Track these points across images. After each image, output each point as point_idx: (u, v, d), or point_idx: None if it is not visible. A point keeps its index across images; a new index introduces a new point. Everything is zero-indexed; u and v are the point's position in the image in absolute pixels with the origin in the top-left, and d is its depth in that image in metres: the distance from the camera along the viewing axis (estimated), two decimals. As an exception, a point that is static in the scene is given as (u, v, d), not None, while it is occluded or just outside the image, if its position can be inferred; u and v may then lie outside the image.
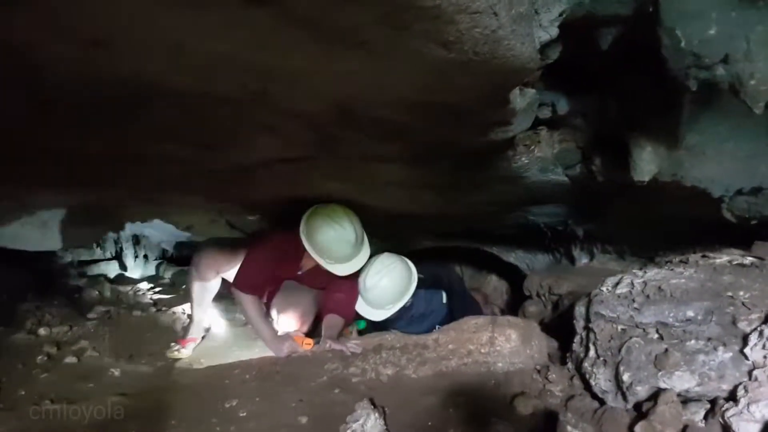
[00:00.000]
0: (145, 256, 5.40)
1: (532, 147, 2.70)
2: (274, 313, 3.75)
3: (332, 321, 3.45)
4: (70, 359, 3.30)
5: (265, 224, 3.54)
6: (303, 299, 3.68)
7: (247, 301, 3.25)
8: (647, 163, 2.31)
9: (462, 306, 3.87)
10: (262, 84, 1.74)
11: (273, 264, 3.32)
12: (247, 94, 1.81)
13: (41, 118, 1.96)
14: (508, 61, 1.54)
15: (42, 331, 3.66)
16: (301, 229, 3.17)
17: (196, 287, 3.48)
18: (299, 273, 3.42)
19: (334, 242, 3.13)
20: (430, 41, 1.42)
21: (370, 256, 3.46)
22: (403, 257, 3.66)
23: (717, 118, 2.21)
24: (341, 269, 3.21)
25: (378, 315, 3.50)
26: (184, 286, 5.01)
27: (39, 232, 3.72)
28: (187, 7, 1.27)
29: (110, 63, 1.55)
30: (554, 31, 1.78)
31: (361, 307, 3.54)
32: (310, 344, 3.25)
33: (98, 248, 4.93)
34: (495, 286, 5.57)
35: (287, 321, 3.61)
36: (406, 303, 3.50)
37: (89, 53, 1.48)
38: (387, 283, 3.44)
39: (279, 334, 3.34)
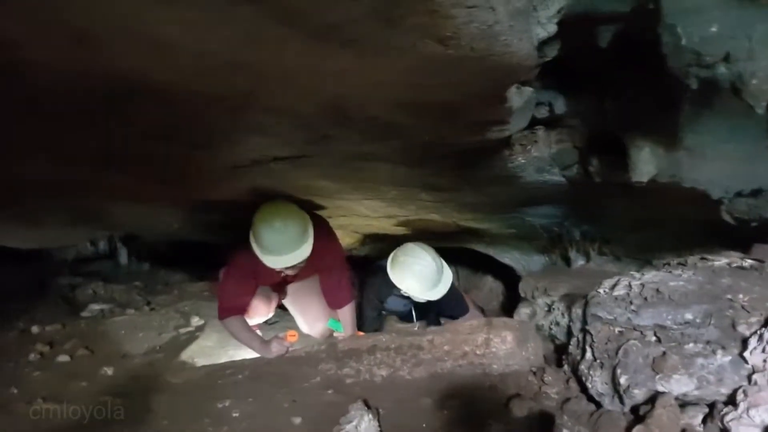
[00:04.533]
0: (140, 255, 5.37)
1: (529, 147, 2.67)
2: (297, 316, 3.89)
3: (345, 316, 3.65)
4: (63, 358, 3.29)
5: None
6: (315, 295, 3.77)
7: (229, 323, 3.28)
8: (645, 163, 2.28)
9: (450, 303, 3.97)
10: (251, 82, 1.72)
11: (249, 278, 3.33)
12: (237, 93, 1.79)
13: (28, 117, 1.94)
14: (505, 57, 1.51)
15: (35, 329, 3.65)
16: (251, 234, 3.11)
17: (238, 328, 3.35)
18: (283, 274, 3.36)
19: (267, 236, 3.03)
20: (426, 37, 1.40)
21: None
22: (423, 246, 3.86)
23: (716, 119, 2.18)
24: (284, 261, 3.10)
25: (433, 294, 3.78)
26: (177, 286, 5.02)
27: (32, 231, 3.70)
28: (172, 3, 1.24)
29: (96, 60, 1.53)
30: (552, 28, 1.75)
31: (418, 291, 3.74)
32: (294, 336, 3.46)
33: (92, 246, 4.92)
34: (490, 287, 5.56)
35: (311, 320, 3.81)
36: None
37: (75, 50, 1.46)
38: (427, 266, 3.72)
39: (266, 339, 3.33)
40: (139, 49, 1.49)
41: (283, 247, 3.06)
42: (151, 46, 1.47)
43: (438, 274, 3.76)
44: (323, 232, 3.40)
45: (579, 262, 3.99)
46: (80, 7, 1.28)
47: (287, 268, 3.17)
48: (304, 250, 3.12)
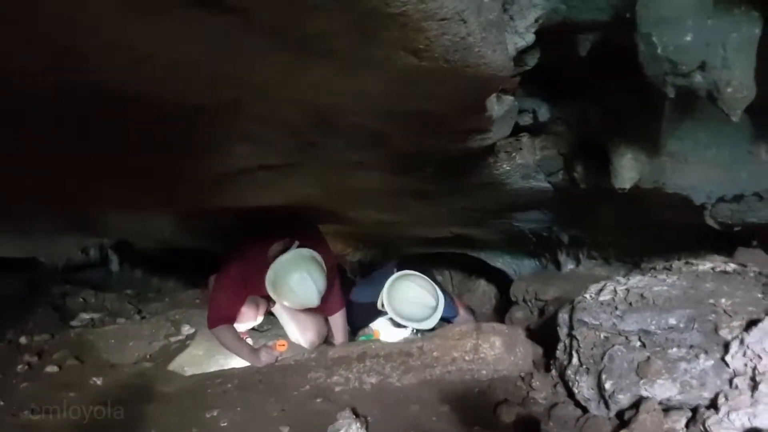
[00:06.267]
0: (132, 262, 5.35)
1: (514, 154, 2.68)
2: (286, 324, 3.84)
3: (337, 322, 3.69)
4: (52, 368, 3.25)
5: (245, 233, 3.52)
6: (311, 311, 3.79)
7: (219, 332, 3.30)
8: (628, 170, 2.29)
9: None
10: (234, 92, 1.72)
11: (241, 289, 3.38)
12: (220, 103, 1.79)
13: (14, 129, 1.94)
14: (480, 68, 1.52)
15: (23, 339, 3.61)
16: (268, 283, 3.23)
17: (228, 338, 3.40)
18: None
19: (299, 302, 3.25)
20: (400, 49, 1.41)
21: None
22: (416, 274, 3.85)
23: (698, 125, 2.20)
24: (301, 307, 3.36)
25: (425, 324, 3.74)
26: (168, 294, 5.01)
27: (21, 239, 3.69)
28: (151, 15, 1.25)
29: (78, 72, 1.53)
30: (530, 38, 1.76)
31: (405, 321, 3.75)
32: (284, 345, 3.48)
33: (83, 254, 4.89)
34: (483, 291, 5.56)
35: (301, 329, 3.77)
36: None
37: (56, 62, 1.46)
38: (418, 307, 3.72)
39: (255, 347, 3.37)
40: (121, 61, 1.49)
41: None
42: (133, 58, 1.47)
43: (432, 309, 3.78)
44: (315, 240, 3.44)
45: (569, 266, 3.99)
46: (61, 21, 1.28)
47: None
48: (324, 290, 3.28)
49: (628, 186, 2.32)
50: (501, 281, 5.19)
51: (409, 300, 3.69)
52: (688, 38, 1.62)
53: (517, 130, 2.55)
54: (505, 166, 2.69)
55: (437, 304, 3.73)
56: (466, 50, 1.41)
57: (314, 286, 3.15)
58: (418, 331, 3.82)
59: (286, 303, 3.30)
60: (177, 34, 1.35)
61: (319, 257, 3.30)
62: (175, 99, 1.76)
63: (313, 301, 3.18)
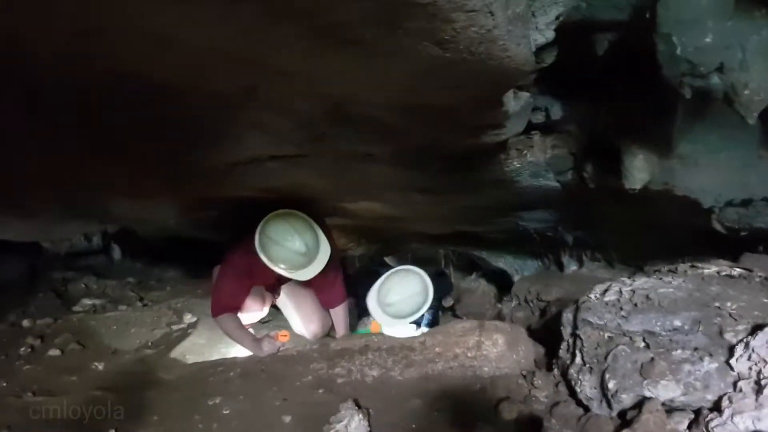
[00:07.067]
0: (134, 252, 5.34)
1: (525, 151, 2.69)
2: (290, 316, 3.87)
3: (338, 315, 3.70)
4: (54, 352, 3.27)
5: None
6: (308, 296, 3.80)
7: (222, 320, 3.30)
8: (639, 170, 2.30)
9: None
10: (252, 79, 1.72)
11: (245, 278, 3.38)
12: (236, 90, 1.80)
13: (28, 110, 1.94)
14: (504, 62, 1.53)
15: (26, 322, 3.62)
16: (257, 245, 3.18)
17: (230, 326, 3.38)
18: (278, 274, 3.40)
19: (287, 256, 3.17)
20: (425, 40, 1.41)
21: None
22: (417, 269, 3.72)
23: (710, 128, 2.21)
24: (302, 275, 3.25)
25: (399, 328, 3.59)
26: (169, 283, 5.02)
27: (25, 223, 3.69)
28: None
29: (98, 55, 1.53)
30: (550, 34, 1.78)
31: (382, 319, 3.62)
32: (286, 336, 3.45)
33: (85, 240, 4.89)
34: (483, 290, 5.55)
35: (304, 320, 3.80)
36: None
37: (76, 45, 1.46)
38: (404, 302, 3.55)
39: (258, 336, 3.36)
40: (142, 44, 1.49)
41: (308, 261, 3.20)
42: (154, 41, 1.47)
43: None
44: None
45: (572, 267, 4.01)
46: (81, 3, 1.28)
47: None
48: (325, 255, 3.25)
49: (638, 186, 2.33)
50: (501, 281, 5.20)
51: (398, 290, 3.61)
52: (708, 40, 1.63)
53: (529, 128, 2.56)
54: (515, 163, 2.71)
55: (419, 310, 3.60)
56: (491, 43, 1.42)
57: (295, 232, 3.14)
58: None
59: (282, 267, 3.19)
60: (202, 19, 1.36)
61: (300, 213, 3.29)
62: (194, 85, 1.77)
63: (300, 248, 3.14)
